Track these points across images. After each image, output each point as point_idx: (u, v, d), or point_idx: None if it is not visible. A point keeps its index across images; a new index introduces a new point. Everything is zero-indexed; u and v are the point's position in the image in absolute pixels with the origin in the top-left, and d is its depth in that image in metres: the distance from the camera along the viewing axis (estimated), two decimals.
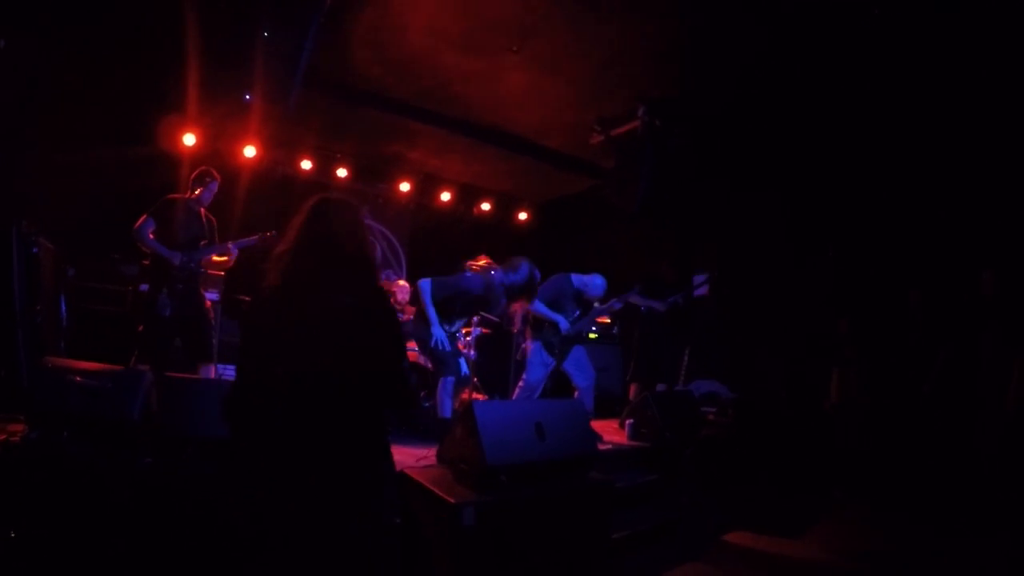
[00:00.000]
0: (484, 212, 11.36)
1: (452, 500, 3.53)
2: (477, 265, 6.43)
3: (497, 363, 9.20)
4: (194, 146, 8.11)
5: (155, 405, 4.21)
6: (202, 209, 6.02)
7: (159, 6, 5.65)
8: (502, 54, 6.51)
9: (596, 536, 4.30)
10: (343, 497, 2.39)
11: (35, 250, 5.87)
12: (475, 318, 6.76)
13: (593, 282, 6.66)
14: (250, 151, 8.65)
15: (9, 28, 5.94)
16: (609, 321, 9.70)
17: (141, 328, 5.73)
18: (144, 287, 6.03)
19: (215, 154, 8.27)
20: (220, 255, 6.02)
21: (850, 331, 7.54)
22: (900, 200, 7.68)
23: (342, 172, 9.65)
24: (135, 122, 7.49)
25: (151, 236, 5.60)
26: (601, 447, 5.84)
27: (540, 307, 6.38)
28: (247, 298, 8.17)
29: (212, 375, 6.00)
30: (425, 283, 5.78)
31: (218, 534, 3.33)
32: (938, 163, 7.16)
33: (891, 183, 7.68)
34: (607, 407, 8.18)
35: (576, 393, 6.55)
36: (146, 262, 5.86)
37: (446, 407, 5.74)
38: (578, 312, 6.58)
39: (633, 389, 7.70)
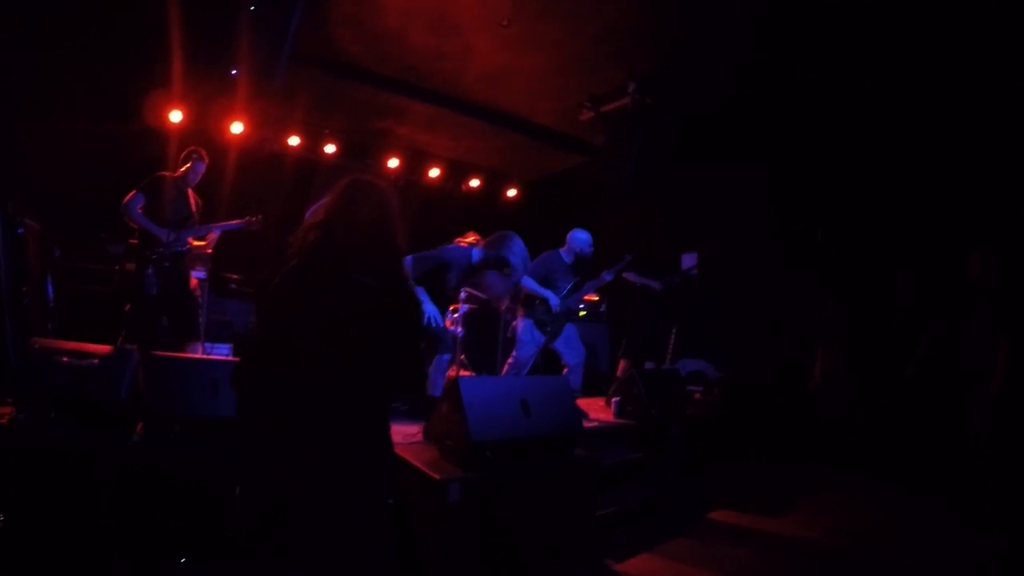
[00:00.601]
0: (473, 188, 11.32)
1: (437, 476, 3.57)
2: (465, 241, 6.43)
3: (485, 340, 9.20)
4: (181, 123, 8.02)
5: (142, 384, 4.21)
6: (190, 189, 6.00)
7: None
8: (490, 30, 6.46)
9: (581, 512, 4.36)
10: (345, 477, 2.40)
11: (21, 231, 5.85)
12: (462, 294, 6.75)
13: (576, 238, 6.66)
14: (237, 127, 8.58)
15: None
16: (597, 299, 9.72)
17: (128, 307, 5.73)
18: (130, 266, 6.02)
19: (202, 131, 8.20)
20: (201, 238, 6.01)
21: (836, 312, 7.58)
22: (888, 182, 7.71)
23: (330, 148, 9.58)
24: (120, 99, 7.41)
25: (140, 211, 5.59)
26: (587, 424, 5.87)
27: (530, 283, 6.38)
28: (235, 276, 8.17)
29: (199, 354, 5.99)
30: (407, 260, 5.79)
31: (217, 510, 3.33)
32: (927, 146, 7.19)
33: (880, 164, 7.70)
34: (594, 385, 8.22)
35: (565, 370, 6.57)
36: (133, 241, 5.85)
37: (437, 385, 5.76)
38: (569, 287, 6.57)
39: (622, 365, 7.73)
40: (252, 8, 5.60)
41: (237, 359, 2.62)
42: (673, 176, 8.74)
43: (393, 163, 10.21)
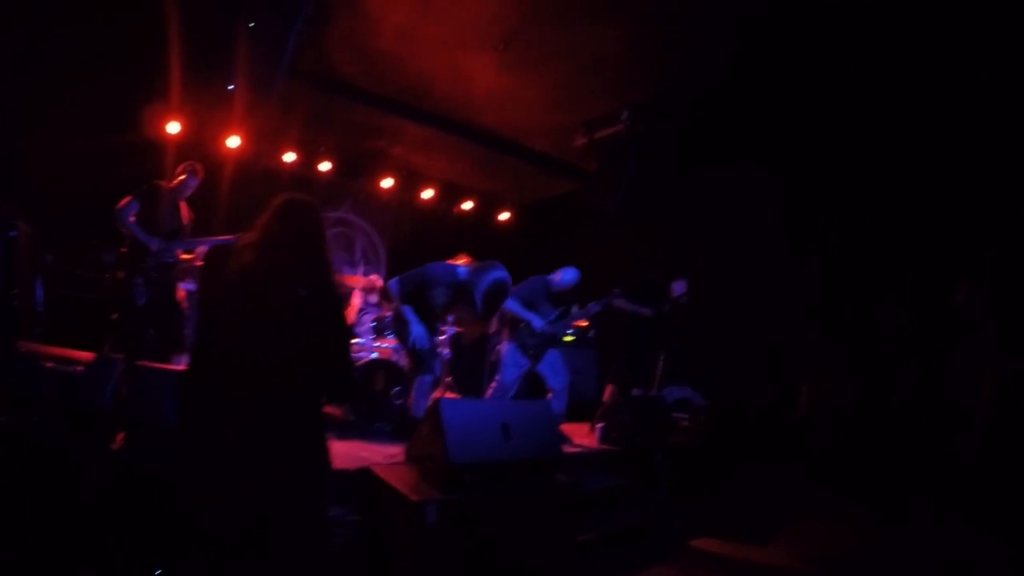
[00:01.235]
0: (466, 211, 11.33)
1: (415, 498, 3.57)
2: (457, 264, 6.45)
3: (472, 363, 9.21)
4: (178, 134, 8.01)
5: (126, 393, 4.22)
6: (182, 202, 6.03)
7: None
8: (485, 54, 6.52)
9: (561, 538, 4.35)
10: (277, 478, 2.47)
11: (13, 233, 5.85)
12: (449, 317, 6.76)
13: (564, 276, 6.69)
14: (234, 141, 8.60)
15: None
16: (586, 324, 9.74)
17: (116, 316, 5.72)
18: (120, 275, 6.03)
19: (199, 143, 8.21)
20: (190, 251, 6.02)
21: (821, 341, 7.61)
22: (875, 212, 7.76)
23: (325, 166, 9.59)
24: (119, 109, 7.42)
25: (132, 219, 5.60)
26: (571, 450, 5.89)
27: (515, 307, 6.40)
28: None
29: (183, 365, 5.98)
30: (393, 282, 5.81)
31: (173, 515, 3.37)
32: (914, 178, 7.24)
33: (868, 195, 7.76)
34: (581, 410, 8.22)
35: (550, 395, 6.58)
36: (123, 249, 5.85)
37: (420, 406, 5.75)
38: (555, 314, 6.60)
39: (609, 390, 7.74)
40: (251, 25, 5.64)
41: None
42: (664, 203, 8.80)
43: (387, 183, 10.22)
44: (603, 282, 7.69)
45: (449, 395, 7.16)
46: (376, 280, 8.30)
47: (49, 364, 4.26)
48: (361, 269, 10.41)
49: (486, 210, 11.53)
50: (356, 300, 8.09)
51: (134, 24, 6.12)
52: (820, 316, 7.83)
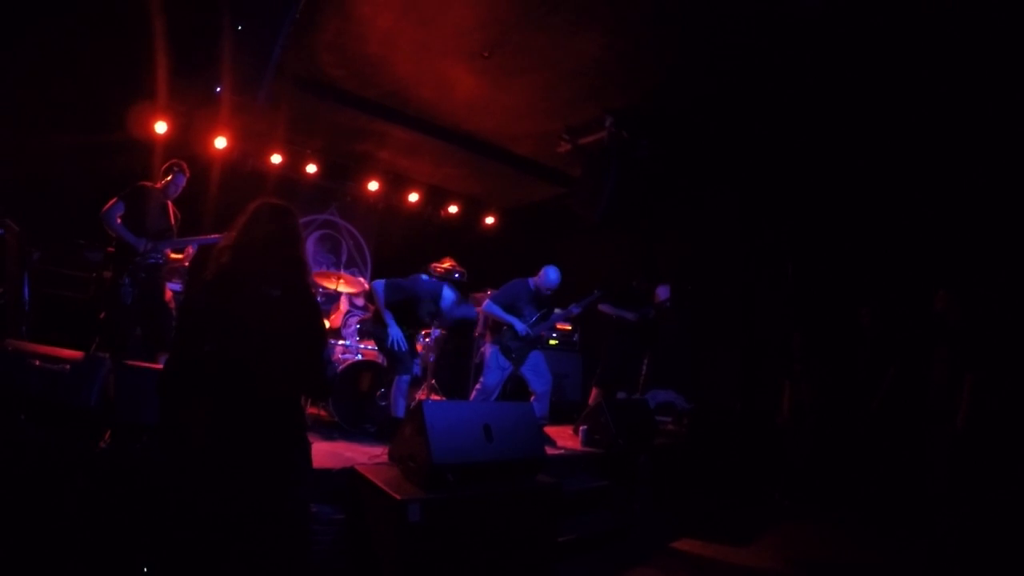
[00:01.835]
0: (451, 215, 11.38)
1: (399, 497, 3.62)
2: (441, 267, 6.50)
3: (457, 365, 9.25)
4: (165, 134, 8.03)
5: (112, 392, 4.24)
6: (169, 202, 6.04)
7: None
8: (472, 60, 6.57)
9: (542, 537, 4.39)
10: (256, 474, 2.53)
11: (1, 232, 5.86)
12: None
13: (546, 275, 6.72)
14: (221, 142, 8.61)
15: None
16: (570, 328, 9.79)
17: (103, 315, 5.73)
18: (107, 274, 6.03)
19: (186, 143, 8.22)
20: (178, 251, 6.04)
21: (803, 346, 7.68)
22: (856, 218, 7.86)
23: (311, 168, 9.62)
24: (106, 108, 7.42)
25: (119, 220, 5.60)
26: (554, 452, 5.92)
27: (495, 309, 6.45)
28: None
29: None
30: (379, 284, 5.86)
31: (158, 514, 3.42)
32: (895, 184, 7.34)
33: (849, 201, 7.86)
34: (566, 413, 8.28)
35: (532, 398, 6.62)
36: (110, 249, 5.85)
37: (399, 406, 5.80)
38: (537, 316, 6.64)
39: (594, 393, 7.79)
40: (239, 28, 5.67)
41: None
42: (647, 209, 8.86)
43: (373, 186, 10.26)
44: (588, 286, 7.77)
45: (434, 397, 7.20)
46: (363, 283, 8.35)
47: (36, 362, 4.27)
48: (347, 271, 10.44)
49: (471, 214, 11.59)
50: (343, 303, 8.12)
51: (121, 24, 6.12)
52: (802, 322, 7.90)
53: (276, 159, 9.28)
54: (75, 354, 4.43)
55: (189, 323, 2.75)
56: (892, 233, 7.54)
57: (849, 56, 5.78)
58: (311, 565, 3.73)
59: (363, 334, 7.25)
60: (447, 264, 6.54)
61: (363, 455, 4.89)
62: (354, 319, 7.85)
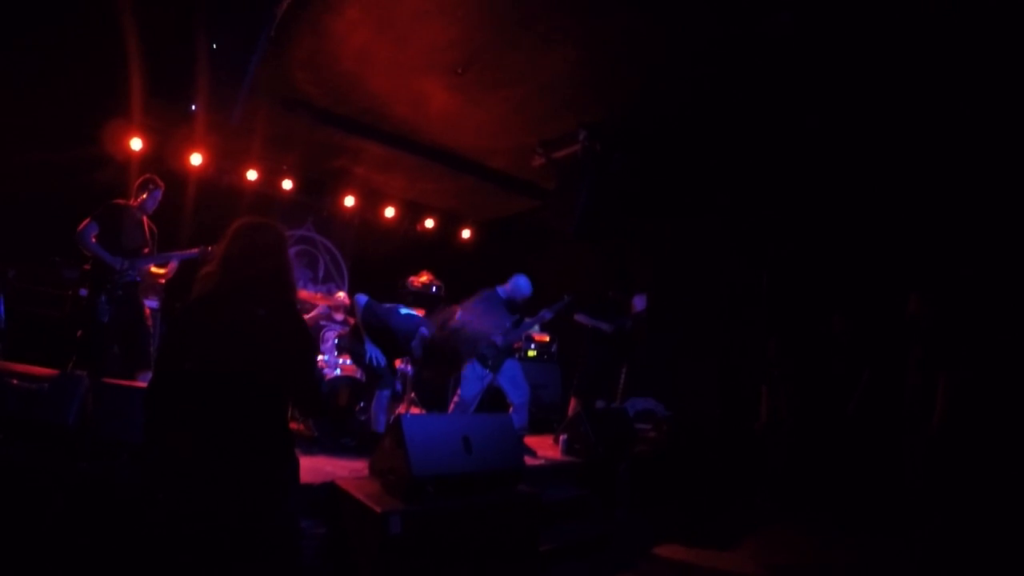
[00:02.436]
0: (428, 229, 11.42)
1: (379, 509, 3.64)
2: (419, 281, 6.53)
3: (435, 378, 9.26)
4: (141, 151, 8.03)
5: (91, 410, 4.24)
6: (145, 217, 6.03)
7: (104, 14, 5.67)
8: (445, 76, 6.63)
9: (524, 548, 4.41)
10: (244, 491, 2.55)
11: None
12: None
13: (516, 283, 6.77)
14: (196, 159, 8.61)
15: None
16: (548, 339, 9.85)
17: (80, 333, 5.71)
18: (84, 292, 6.01)
19: (162, 159, 8.22)
20: (160, 266, 6.04)
21: (778, 352, 7.76)
22: (828, 224, 7.97)
23: (287, 184, 9.64)
24: (81, 125, 7.41)
25: (94, 240, 5.60)
26: (534, 462, 5.95)
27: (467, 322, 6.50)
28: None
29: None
30: (362, 299, 5.88)
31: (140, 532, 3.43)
32: (865, 190, 7.45)
33: (821, 208, 7.97)
34: (546, 423, 8.31)
35: (511, 409, 6.64)
36: (87, 267, 5.84)
37: (380, 421, 5.83)
38: (509, 324, 6.66)
39: (572, 404, 7.83)
40: (214, 46, 5.69)
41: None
42: (622, 221, 8.94)
43: (349, 201, 10.29)
44: (580, 294, 7.86)
45: (414, 410, 7.22)
46: (342, 298, 8.36)
47: (14, 381, 4.26)
48: (324, 287, 10.44)
49: (448, 228, 11.65)
50: (317, 315, 8.11)
51: (96, 42, 6.13)
52: (777, 328, 7.98)
53: (252, 175, 9.29)
54: (52, 372, 4.42)
55: (175, 340, 2.77)
56: (863, 238, 7.64)
57: (819, 70, 5.87)
58: None
59: (341, 349, 7.26)
60: (425, 278, 6.57)
61: (344, 469, 4.91)
62: (332, 333, 7.85)
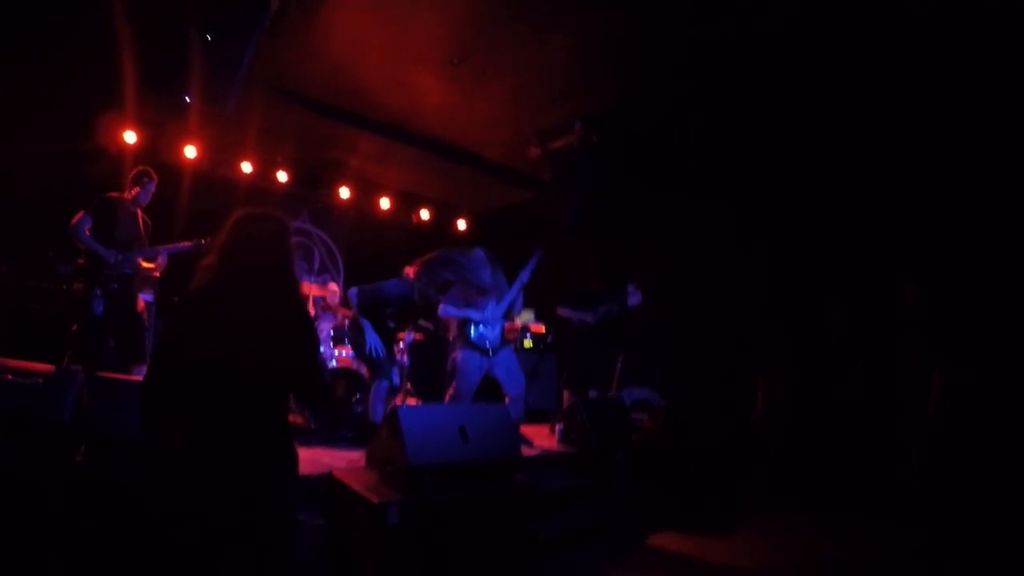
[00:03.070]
0: (423, 220, 11.39)
1: (376, 500, 3.64)
2: (414, 271, 6.52)
3: (432, 370, 9.26)
4: (135, 144, 7.98)
5: (87, 405, 4.23)
6: (138, 210, 6.01)
7: (96, 5, 5.64)
8: (440, 67, 6.62)
9: (521, 537, 4.41)
10: (242, 483, 2.54)
11: None
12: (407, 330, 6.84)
13: (475, 255, 6.77)
14: (191, 151, 8.58)
15: None
16: (544, 330, 9.85)
17: (74, 328, 5.70)
18: (78, 286, 6.00)
19: (156, 152, 8.17)
20: (150, 260, 6.01)
21: (774, 341, 7.78)
22: (824, 214, 7.97)
23: (282, 176, 9.60)
24: (74, 118, 7.36)
25: (87, 233, 5.58)
26: (530, 452, 5.96)
27: (450, 310, 6.47)
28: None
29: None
30: (353, 291, 5.88)
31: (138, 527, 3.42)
32: (861, 180, 7.45)
33: (817, 197, 7.97)
34: (542, 414, 8.32)
35: (506, 400, 6.64)
36: (81, 261, 5.82)
37: (378, 412, 5.83)
38: (491, 302, 6.61)
39: (566, 396, 7.83)
40: (208, 38, 5.66)
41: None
42: (618, 211, 8.94)
43: (344, 193, 10.27)
44: (559, 287, 7.86)
45: (410, 401, 7.22)
46: (334, 288, 8.36)
47: (8, 376, 4.26)
48: (320, 278, 10.43)
49: (443, 219, 11.63)
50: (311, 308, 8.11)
51: (89, 34, 6.09)
52: (773, 318, 8.00)
53: (247, 167, 9.25)
54: (48, 367, 4.42)
55: (172, 332, 2.75)
56: (859, 228, 7.65)
57: (818, 60, 5.88)
58: (300, 572, 3.75)
59: (338, 340, 7.26)
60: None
61: (341, 460, 4.92)
62: (326, 325, 7.85)
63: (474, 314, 6.41)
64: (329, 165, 9.85)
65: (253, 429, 2.60)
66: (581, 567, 4.83)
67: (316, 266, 10.63)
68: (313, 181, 10.09)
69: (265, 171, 9.49)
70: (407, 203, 11.13)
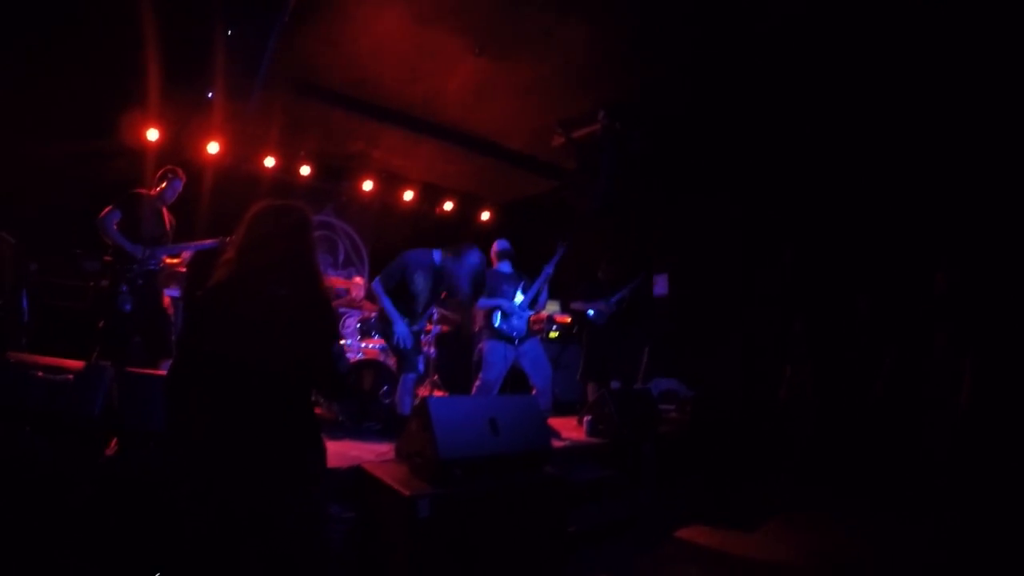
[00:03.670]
0: (447, 212, 11.41)
1: (407, 493, 3.62)
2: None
3: (458, 362, 9.26)
4: (157, 141, 8.05)
5: (116, 400, 4.25)
6: (164, 208, 6.04)
7: (120, 3, 5.66)
8: (463, 57, 6.59)
9: (552, 529, 4.38)
10: (267, 475, 2.53)
11: None
12: (434, 315, 6.80)
13: (496, 247, 6.84)
14: (214, 147, 8.63)
15: None
16: (569, 321, 9.81)
17: (102, 324, 5.73)
18: (105, 283, 6.04)
19: (179, 149, 8.24)
20: (174, 256, 6.03)
21: (803, 331, 7.70)
22: (855, 200, 7.87)
23: (305, 170, 9.64)
24: (98, 116, 7.43)
25: (115, 227, 5.59)
26: (558, 443, 5.92)
27: (481, 301, 6.47)
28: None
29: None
30: (376, 283, 5.85)
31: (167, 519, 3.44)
32: (893, 167, 7.35)
33: (847, 182, 7.86)
34: (568, 406, 8.29)
35: (533, 391, 6.61)
36: (107, 258, 5.85)
37: (406, 404, 5.81)
38: (517, 289, 6.59)
39: (590, 389, 7.80)
40: (229, 33, 5.67)
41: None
42: (643, 200, 8.88)
43: (368, 185, 10.28)
44: (586, 277, 7.81)
45: (437, 393, 7.21)
46: (359, 281, 8.36)
47: (39, 374, 4.29)
48: (344, 272, 10.47)
49: (467, 210, 11.64)
50: (337, 302, 8.12)
51: (112, 32, 6.12)
52: (802, 307, 7.91)
53: (270, 162, 9.29)
54: (77, 364, 4.45)
55: (194, 327, 2.74)
56: (890, 216, 7.54)
57: (845, 47, 5.80)
58: (325, 566, 3.75)
59: (366, 332, 7.26)
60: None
61: (370, 453, 4.91)
62: (353, 319, 7.86)
63: (504, 303, 6.40)
64: (352, 158, 9.85)
65: (275, 422, 2.58)
66: (609, 559, 4.80)
67: (341, 259, 10.67)
68: (336, 174, 10.12)
69: (288, 165, 9.53)
70: (431, 195, 11.15)
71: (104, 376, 4.34)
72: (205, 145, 8.60)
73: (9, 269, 6.18)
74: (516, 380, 6.89)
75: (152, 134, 8.00)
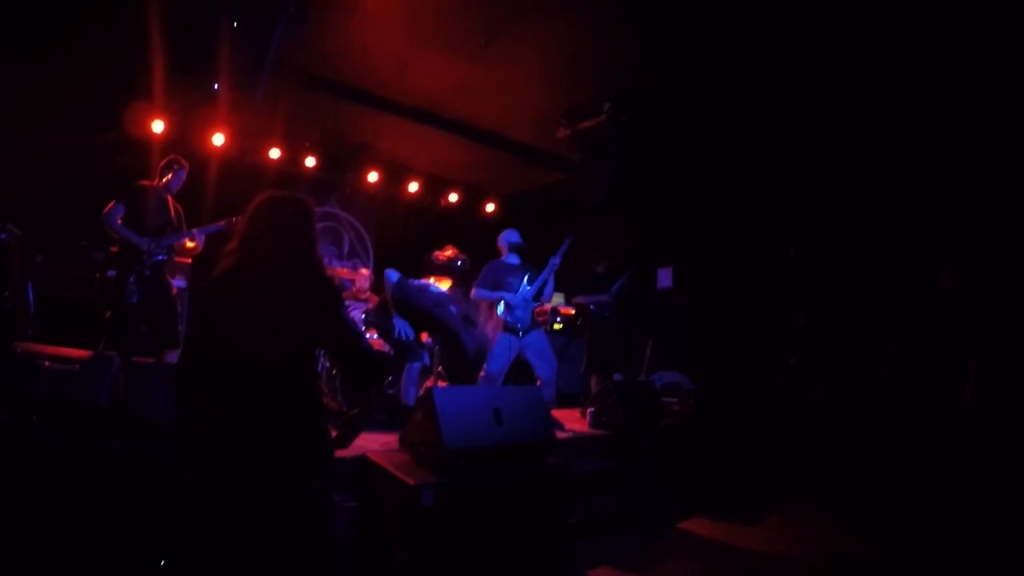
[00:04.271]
0: (452, 203, 11.41)
1: (411, 482, 3.64)
2: (444, 255, 6.50)
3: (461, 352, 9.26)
4: (163, 133, 8.07)
5: (122, 390, 4.26)
6: (169, 197, 6.05)
7: None
8: (468, 48, 6.59)
9: (554, 519, 4.40)
10: (274, 466, 2.55)
11: (3, 236, 5.89)
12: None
13: (507, 239, 6.90)
14: (219, 139, 8.64)
15: None
16: (574, 313, 9.82)
17: (108, 314, 5.74)
18: (111, 273, 6.05)
19: (184, 141, 8.23)
20: (190, 240, 6.06)
21: (807, 326, 7.70)
22: (860, 196, 7.85)
23: (310, 161, 9.65)
24: (103, 108, 7.44)
25: (120, 222, 5.62)
26: (562, 435, 5.94)
27: (482, 293, 6.49)
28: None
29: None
30: (393, 275, 5.86)
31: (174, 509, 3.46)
32: (898, 162, 7.33)
33: (853, 178, 7.85)
34: (572, 398, 8.31)
35: (538, 383, 6.63)
36: (114, 249, 5.86)
37: (410, 394, 5.84)
38: (522, 282, 6.61)
39: (594, 381, 7.81)
40: (234, 24, 5.67)
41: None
42: (648, 192, 8.87)
43: (373, 177, 10.28)
44: (587, 268, 7.82)
45: (441, 384, 7.23)
46: (364, 272, 8.38)
47: (45, 363, 4.29)
48: (349, 263, 10.49)
49: (472, 201, 11.63)
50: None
51: (117, 23, 6.13)
52: (806, 302, 7.91)
53: (275, 153, 9.31)
54: (83, 353, 4.45)
55: (200, 318, 2.76)
56: (896, 211, 7.53)
57: (850, 41, 5.79)
58: (327, 556, 3.76)
59: (368, 324, 7.28)
60: (449, 252, 6.52)
61: (374, 443, 4.92)
62: (356, 312, 7.87)
63: (507, 295, 6.42)
64: (357, 149, 9.87)
65: (279, 412, 2.59)
66: (611, 550, 4.81)
67: (346, 250, 10.68)
68: (341, 166, 10.12)
69: (293, 157, 9.54)
70: (435, 186, 11.14)
71: (110, 365, 4.35)
72: (210, 136, 8.61)
73: (16, 260, 6.20)
74: (519, 372, 6.91)
75: (157, 126, 8.02)
